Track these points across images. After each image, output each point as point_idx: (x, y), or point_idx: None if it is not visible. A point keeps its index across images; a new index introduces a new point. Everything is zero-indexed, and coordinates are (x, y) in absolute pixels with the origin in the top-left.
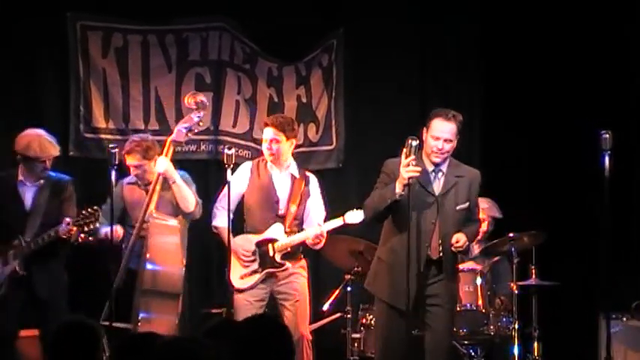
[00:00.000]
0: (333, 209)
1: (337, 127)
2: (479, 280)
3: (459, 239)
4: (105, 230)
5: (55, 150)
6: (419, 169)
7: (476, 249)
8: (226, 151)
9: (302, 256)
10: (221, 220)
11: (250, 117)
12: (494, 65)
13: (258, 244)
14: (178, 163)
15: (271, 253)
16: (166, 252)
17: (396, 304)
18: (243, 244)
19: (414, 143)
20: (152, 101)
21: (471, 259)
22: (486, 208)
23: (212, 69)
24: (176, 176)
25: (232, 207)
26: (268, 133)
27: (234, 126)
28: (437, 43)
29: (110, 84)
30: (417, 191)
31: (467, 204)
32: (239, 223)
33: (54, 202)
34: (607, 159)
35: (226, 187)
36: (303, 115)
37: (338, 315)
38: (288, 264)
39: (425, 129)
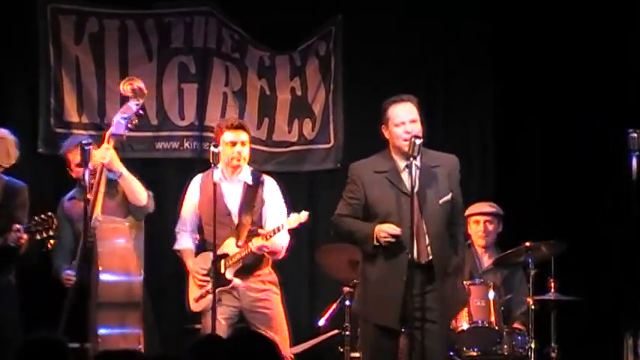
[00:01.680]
0: (332, 213)
1: (335, 124)
2: (491, 294)
3: None
4: (68, 272)
5: (16, 157)
6: (393, 240)
7: (486, 260)
8: (212, 148)
9: (270, 270)
10: (182, 242)
11: (239, 111)
12: (507, 62)
13: (213, 262)
14: (160, 162)
15: (222, 270)
16: (120, 257)
17: (384, 322)
18: (203, 262)
19: (418, 142)
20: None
21: (482, 271)
22: (472, 206)
23: (197, 58)
24: (122, 168)
25: (192, 226)
26: (238, 134)
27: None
28: (441, 37)
29: (84, 74)
30: (390, 194)
31: (449, 195)
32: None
33: (4, 208)
34: (635, 160)
35: (185, 202)
36: (297, 110)
37: (335, 332)
38: (237, 280)
39: (384, 126)
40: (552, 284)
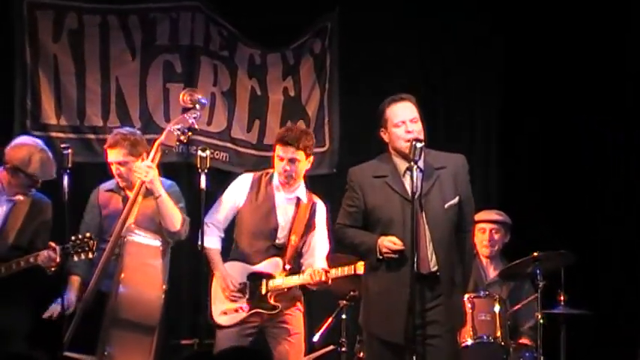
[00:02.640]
0: (332, 220)
1: (331, 126)
2: (497, 308)
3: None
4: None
5: (54, 172)
6: (395, 256)
7: (492, 271)
8: (200, 153)
9: (301, 296)
10: (212, 240)
11: (228, 113)
12: (508, 64)
13: (251, 277)
14: None
15: (263, 291)
16: (144, 275)
17: (389, 337)
18: (233, 273)
19: (419, 145)
20: (112, 94)
21: (487, 283)
22: (477, 216)
23: (183, 56)
24: (162, 190)
25: (225, 225)
26: (286, 151)
27: (209, 124)
28: (440, 36)
29: (63, 73)
30: (391, 200)
31: (456, 199)
32: (228, 244)
33: (31, 223)
34: None
35: (222, 200)
36: (290, 112)
37: (331, 348)
38: (280, 306)
39: (382, 130)
40: (562, 297)
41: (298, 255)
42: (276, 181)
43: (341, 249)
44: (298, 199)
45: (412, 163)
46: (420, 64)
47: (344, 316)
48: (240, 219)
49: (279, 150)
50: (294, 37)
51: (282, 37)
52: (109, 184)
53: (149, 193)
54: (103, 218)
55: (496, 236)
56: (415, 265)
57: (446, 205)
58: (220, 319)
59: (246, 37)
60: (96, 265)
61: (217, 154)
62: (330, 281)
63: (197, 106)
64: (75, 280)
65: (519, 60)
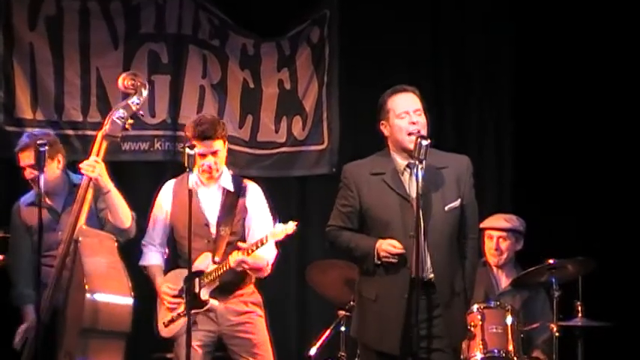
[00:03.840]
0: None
1: (330, 122)
2: (509, 319)
3: None
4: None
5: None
6: (395, 261)
7: (504, 280)
8: (187, 150)
9: (254, 290)
10: (149, 257)
11: (219, 107)
12: (526, 61)
13: (186, 280)
14: (127, 165)
15: (197, 290)
16: (109, 278)
17: (384, 349)
18: (175, 281)
19: (425, 143)
20: (93, 86)
21: (499, 293)
22: (486, 222)
23: (170, 45)
24: (110, 184)
25: (162, 239)
26: (207, 145)
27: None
28: (455, 26)
29: (39, 63)
30: (388, 199)
31: (458, 201)
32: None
33: None
34: None
35: (152, 217)
36: (286, 106)
37: None
38: (213, 302)
39: (383, 123)
40: (579, 308)
41: (233, 244)
42: (193, 178)
43: (334, 251)
44: (224, 188)
45: (417, 162)
46: (432, 56)
47: (343, 328)
48: (173, 226)
49: (197, 148)
50: (290, 25)
51: (278, 25)
52: (29, 197)
53: (97, 190)
54: (33, 234)
55: (503, 245)
56: (413, 270)
57: (446, 208)
58: (164, 332)
59: (239, 25)
60: (45, 285)
61: None
62: (247, 253)
63: (139, 90)
64: (28, 311)
65: (532, 57)
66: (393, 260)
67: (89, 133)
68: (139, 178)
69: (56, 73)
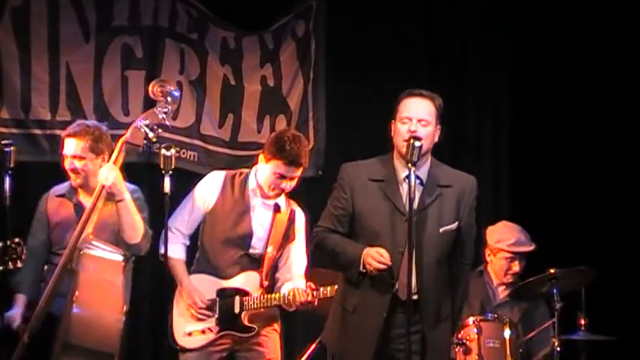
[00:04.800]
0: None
1: (316, 122)
2: (507, 333)
3: None
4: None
5: None
6: (383, 266)
7: (502, 291)
8: (163, 151)
9: (278, 316)
10: (175, 249)
11: (197, 106)
12: (526, 59)
13: (221, 294)
14: None
15: (237, 310)
16: (103, 294)
17: None
18: (200, 288)
19: (417, 144)
20: (62, 82)
21: (496, 305)
22: (512, 244)
23: (145, 39)
24: (126, 193)
25: (191, 230)
26: (290, 171)
27: (174, 118)
28: (451, 20)
29: (4, 58)
30: (382, 209)
31: (454, 225)
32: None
33: None
34: None
35: (188, 202)
36: (269, 105)
37: None
38: (256, 328)
39: (393, 121)
40: (582, 321)
41: (275, 269)
42: (253, 183)
43: (319, 253)
44: (277, 205)
45: (409, 165)
46: (425, 53)
47: None
48: (208, 224)
49: (279, 167)
50: (274, 18)
51: (261, 18)
52: (61, 188)
53: (110, 198)
54: (52, 228)
55: (518, 267)
56: (395, 288)
57: (441, 230)
58: (184, 341)
59: (219, 17)
60: (46, 284)
61: (184, 153)
62: (316, 302)
63: (168, 99)
64: (20, 299)
65: (529, 55)
66: (376, 273)
67: (58, 132)
68: None
69: (22, 68)
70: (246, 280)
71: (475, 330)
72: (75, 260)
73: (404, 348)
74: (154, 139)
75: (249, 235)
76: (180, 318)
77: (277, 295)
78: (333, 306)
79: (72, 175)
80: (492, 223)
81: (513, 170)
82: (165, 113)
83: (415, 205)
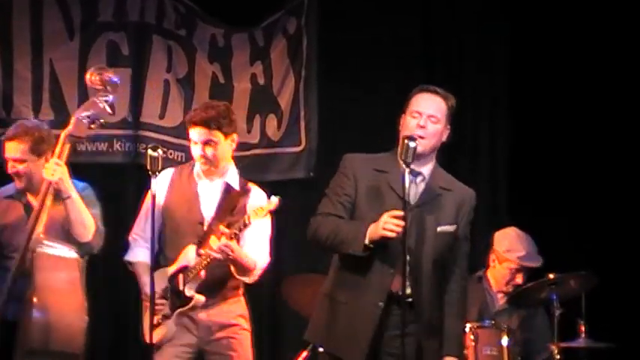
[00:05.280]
0: (303, 236)
1: (307, 121)
2: (505, 341)
3: None
4: None
5: None
6: (399, 229)
7: (501, 297)
8: (150, 152)
9: (240, 293)
10: (137, 253)
11: (185, 104)
12: (524, 55)
13: (171, 279)
14: (83, 168)
15: (181, 287)
16: (63, 295)
17: (347, 358)
18: (159, 281)
19: (412, 145)
20: (46, 81)
21: (495, 312)
22: (522, 256)
23: (131, 36)
24: (72, 190)
25: (151, 234)
26: (198, 134)
27: (161, 117)
28: (448, 19)
29: None
30: (385, 199)
31: (453, 227)
32: None
33: None
34: None
35: (144, 206)
36: (259, 104)
37: None
38: (198, 297)
39: (403, 115)
40: (582, 328)
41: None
42: (198, 168)
43: (314, 242)
44: (227, 185)
45: (404, 166)
46: (422, 51)
47: (321, 349)
48: (164, 220)
49: (191, 133)
50: (264, 15)
51: (250, 14)
52: (9, 189)
53: (57, 195)
54: (2, 230)
55: (518, 280)
56: (392, 276)
57: (439, 229)
58: (149, 337)
59: (208, 13)
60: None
61: (171, 154)
62: (231, 237)
63: (108, 87)
64: None
65: (527, 57)
66: (391, 234)
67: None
68: (96, 183)
69: (4, 66)
70: (185, 256)
71: (472, 337)
72: (28, 261)
73: (397, 352)
74: (95, 129)
75: (200, 221)
76: (145, 316)
77: (205, 254)
78: (319, 300)
79: (15, 179)
80: (490, 228)
81: (511, 173)
82: (106, 102)
83: (417, 198)
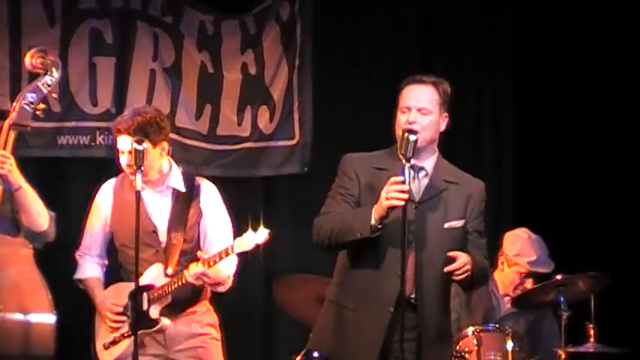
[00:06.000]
0: (300, 234)
1: (301, 113)
2: (509, 345)
3: (458, 257)
4: None
5: None
6: (406, 196)
7: (507, 301)
8: (135, 145)
9: (208, 307)
10: (86, 269)
11: (172, 95)
12: (530, 46)
13: (132, 296)
14: (63, 162)
15: (145, 307)
16: (25, 292)
17: None
18: (118, 296)
19: (412, 138)
20: (24, 70)
21: (502, 316)
22: (532, 261)
23: (115, 22)
24: (22, 180)
25: (100, 249)
26: (124, 142)
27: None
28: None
29: None
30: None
31: (461, 222)
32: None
33: None
34: None
35: (89, 221)
36: (251, 95)
37: None
38: (165, 321)
39: (396, 112)
40: (592, 331)
41: (190, 256)
42: (140, 178)
43: (319, 241)
44: (174, 189)
45: (404, 161)
46: (422, 38)
47: (316, 354)
48: (114, 232)
49: (118, 142)
50: (255, 0)
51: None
52: None
53: (8, 188)
54: None
55: (527, 285)
56: (399, 279)
57: (446, 225)
58: (103, 355)
59: None
60: None
61: None
62: (209, 265)
63: (54, 69)
64: None
65: (533, 41)
66: (399, 202)
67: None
68: (77, 178)
69: None
70: (150, 274)
71: (475, 341)
72: None
73: (399, 356)
74: (41, 115)
75: (153, 231)
76: (99, 332)
77: (177, 277)
78: (325, 306)
79: None
80: (496, 225)
81: (516, 167)
82: (49, 85)
83: (420, 195)
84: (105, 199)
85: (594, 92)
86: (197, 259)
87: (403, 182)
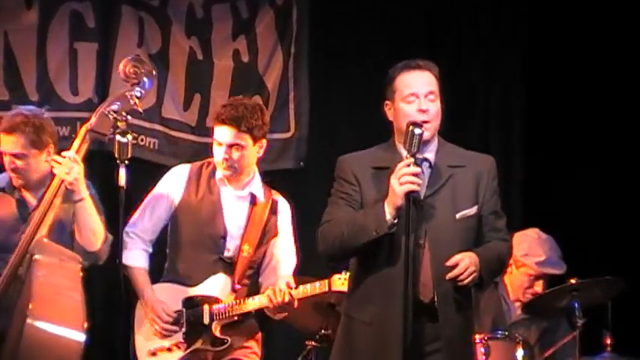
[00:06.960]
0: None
1: (297, 104)
2: (520, 353)
3: (458, 262)
4: None
5: None
6: (420, 180)
7: (518, 307)
8: (119, 137)
9: (254, 322)
10: (134, 256)
11: (158, 85)
12: (541, 31)
13: (187, 304)
14: None
15: (207, 321)
16: (61, 308)
17: None
18: (166, 299)
19: (417, 132)
20: (0, 55)
21: (512, 322)
22: (540, 262)
23: (97, 6)
24: (86, 192)
25: (153, 234)
26: (225, 134)
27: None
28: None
29: None
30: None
31: (474, 209)
32: (161, 260)
33: None
34: None
35: (148, 202)
36: (243, 83)
37: None
38: (229, 341)
39: (388, 103)
40: (608, 340)
41: (254, 271)
42: (220, 172)
43: (325, 249)
44: (253, 196)
45: (408, 156)
46: (427, 27)
47: None
48: (175, 225)
49: (216, 132)
50: None
51: None
52: (1, 180)
53: (67, 196)
54: None
55: (537, 288)
56: (412, 290)
57: (457, 215)
58: (143, 356)
59: None
60: None
61: (142, 140)
62: (296, 303)
63: (145, 80)
64: None
65: (545, 38)
66: (415, 187)
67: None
68: None
69: None
70: (215, 285)
71: (483, 350)
72: (25, 267)
73: None
74: (123, 127)
75: (222, 235)
76: (142, 335)
77: (252, 299)
78: (341, 320)
79: (13, 176)
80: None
81: (527, 164)
82: (138, 98)
83: (425, 189)
84: (177, 183)
85: (594, 92)
86: (287, 287)
87: (409, 165)
